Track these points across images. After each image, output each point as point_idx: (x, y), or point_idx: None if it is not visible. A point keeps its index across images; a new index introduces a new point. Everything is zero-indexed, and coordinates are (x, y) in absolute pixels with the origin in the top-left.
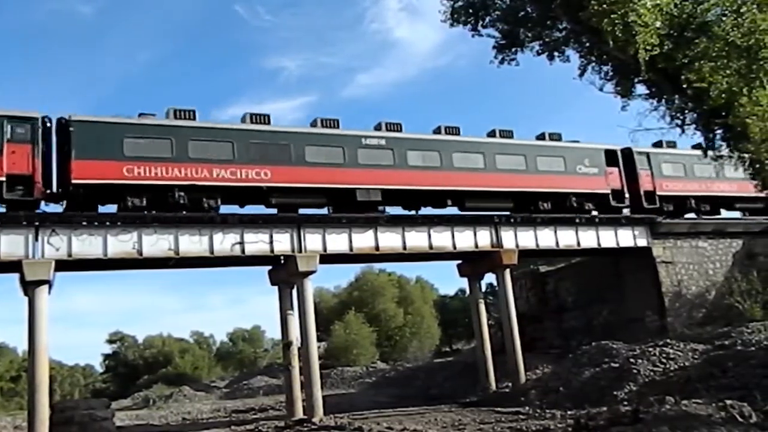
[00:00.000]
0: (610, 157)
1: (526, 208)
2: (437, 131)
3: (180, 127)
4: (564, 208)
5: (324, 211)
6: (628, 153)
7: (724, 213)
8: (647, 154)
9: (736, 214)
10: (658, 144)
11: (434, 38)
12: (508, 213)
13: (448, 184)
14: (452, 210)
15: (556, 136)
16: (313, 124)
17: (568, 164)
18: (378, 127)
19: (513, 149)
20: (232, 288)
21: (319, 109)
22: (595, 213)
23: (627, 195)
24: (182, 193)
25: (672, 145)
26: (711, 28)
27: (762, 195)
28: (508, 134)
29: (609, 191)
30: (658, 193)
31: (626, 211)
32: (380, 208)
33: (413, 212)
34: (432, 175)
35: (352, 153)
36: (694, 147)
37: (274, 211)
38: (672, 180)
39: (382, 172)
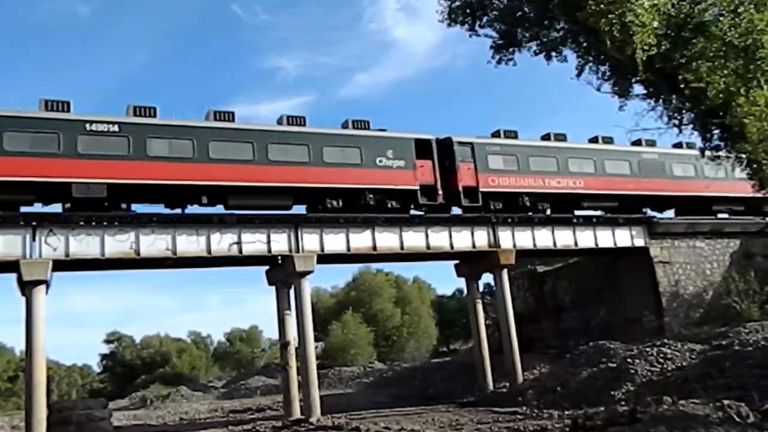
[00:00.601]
0: (423, 147)
1: (314, 206)
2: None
3: None
4: (359, 207)
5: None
6: (448, 143)
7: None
8: (471, 145)
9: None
10: (496, 134)
11: (432, 38)
12: (506, 213)
13: (203, 179)
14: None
15: (362, 124)
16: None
17: (366, 156)
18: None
19: (292, 138)
20: (229, 288)
21: (317, 109)
22: (418, 213)
23: (441, 191)
24: None
25: (512, 135)
26: (708, 28)
27: (615, 192)
28: (298, 121)
29: (417, 187)
30: (482, 189)
31: (458, 211)
32: (123, 206)
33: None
34: (181, 168)
35: (70, 141)
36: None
37: (270, 211)
38: (501, 174)
39: (111, 163)
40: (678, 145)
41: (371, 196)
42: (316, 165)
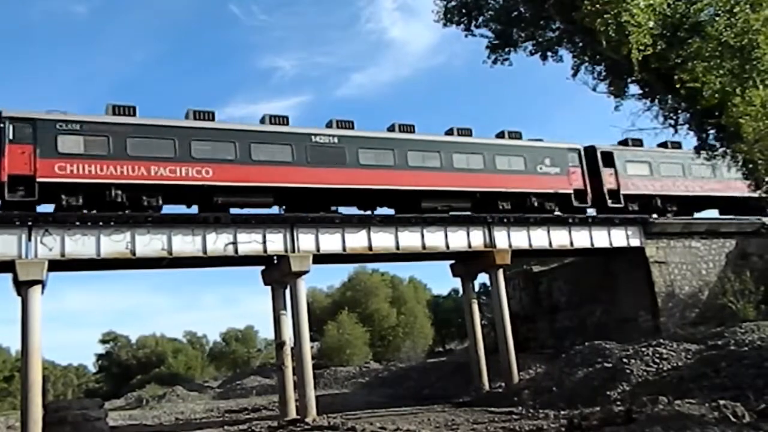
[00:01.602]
0: None
1: None
2: None
3: None
4: None
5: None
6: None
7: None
8: (33, 122)
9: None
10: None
11: (429, 38)
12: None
13: None
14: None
15: None
16: None
17: None
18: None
19: None
20: (225, 288)
21: (314, 109)
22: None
23: None
24: None
25: (127, 112)
26: (704, 28)
27: (263, 185)
28: None
29: None
30: (42, 179)
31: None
32: None
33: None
34: None
35: None
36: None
37: (268, 211)
38: (79, 160)
39: None
40: (392, 129)
41: None
42: None
